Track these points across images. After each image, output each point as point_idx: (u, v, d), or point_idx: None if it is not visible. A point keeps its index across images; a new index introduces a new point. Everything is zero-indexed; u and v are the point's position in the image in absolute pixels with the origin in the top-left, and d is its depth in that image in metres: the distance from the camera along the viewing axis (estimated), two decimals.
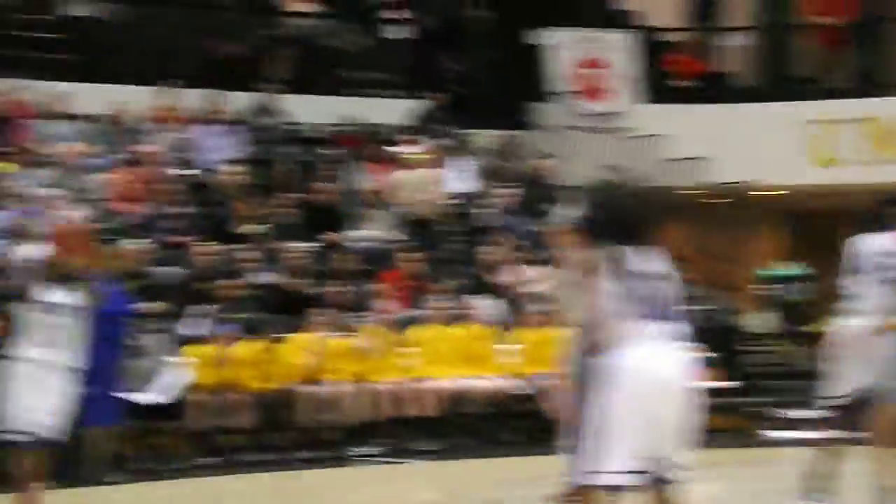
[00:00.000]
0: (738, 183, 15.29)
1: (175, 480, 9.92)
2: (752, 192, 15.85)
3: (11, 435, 6.86)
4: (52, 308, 6.95)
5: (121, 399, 9.77)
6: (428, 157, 14.42)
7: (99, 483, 9.47)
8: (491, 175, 15.17)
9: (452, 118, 15.95)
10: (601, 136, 16.44)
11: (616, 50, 16.66)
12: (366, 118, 15.68)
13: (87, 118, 14.20)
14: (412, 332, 11.86)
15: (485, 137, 16.08)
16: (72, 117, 13.73)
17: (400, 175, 13.99)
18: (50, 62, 15.02)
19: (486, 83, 16.70)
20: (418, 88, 16.07)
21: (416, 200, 13.69)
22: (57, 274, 7.02)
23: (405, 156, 14.08)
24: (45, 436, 6.88)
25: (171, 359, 10.62)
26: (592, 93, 16.84)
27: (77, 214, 12.04)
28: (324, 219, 13.41)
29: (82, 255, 7.09)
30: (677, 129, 15.94)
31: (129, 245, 11.39)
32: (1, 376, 6.87)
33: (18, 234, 11.47)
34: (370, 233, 13.57)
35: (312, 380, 11.08)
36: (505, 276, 12.92)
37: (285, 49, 16.17)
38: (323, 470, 10.46)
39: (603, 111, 16.75)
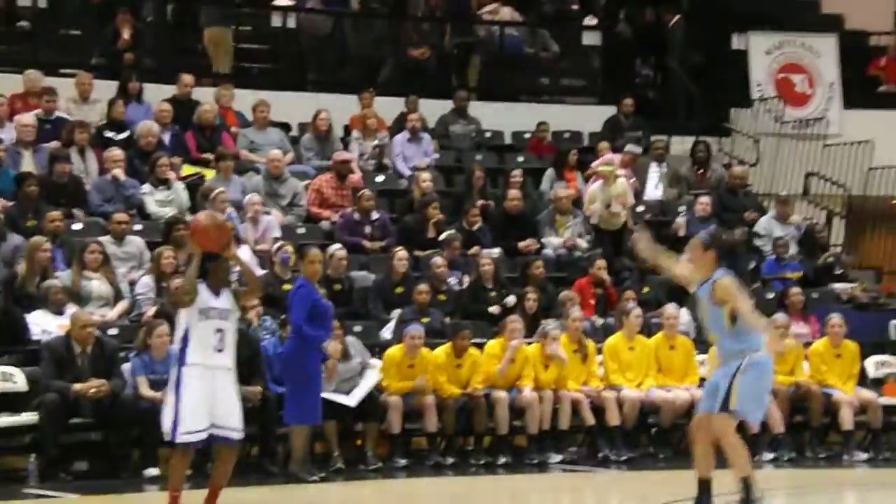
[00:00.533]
0: None
1: (372, 481, 10.14)
2: None
3: (196, 437, 7.19)
4: (218, 313, 7.33)
5: (322, 399, 10.02)
6: (622, 164, 14.32)
7: (300, 481, 9.75)
8: (686, 182, 14.97)
9: (647, 124, 15.81)
10: (803, 142, 16.03)
11: (819, 54, 16.22)
12: (559, 124, 15.70)
13: (289, 126, 14.69)
14: (605, 341, 11.81)
15: (680, 143, 15.88)
16: (274, 125, 14.21)
17: (593, 183, 13.94)
18: (255, 71, 15.59)
19: (682, 88, 16.48)
20: (612, 94, 15.99)
21: (608, 208, 13.62)
22: (218, 279, 7.39)
23: (600, 165, 14.01)
24: (229, 437, 7.23)
25: (369, 362, 10.85)
26: (794, 98, 16.43)
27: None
28: (516, 226, 13.49)
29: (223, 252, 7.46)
30: (882, 136, 15.40)
31: (327, 250, 11.68)
32: (179, 383, 7.22)
33: None
34: (562, 240, 13.57)
35: (505, 386, 11.15)
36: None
37: (479, 56, 16.34)
38: (514, 476, 10.52)
39: (805, 117, 16.32)
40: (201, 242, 7.43)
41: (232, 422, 7.30)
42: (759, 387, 7.29)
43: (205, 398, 7.19)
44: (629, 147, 14.76)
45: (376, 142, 14.40)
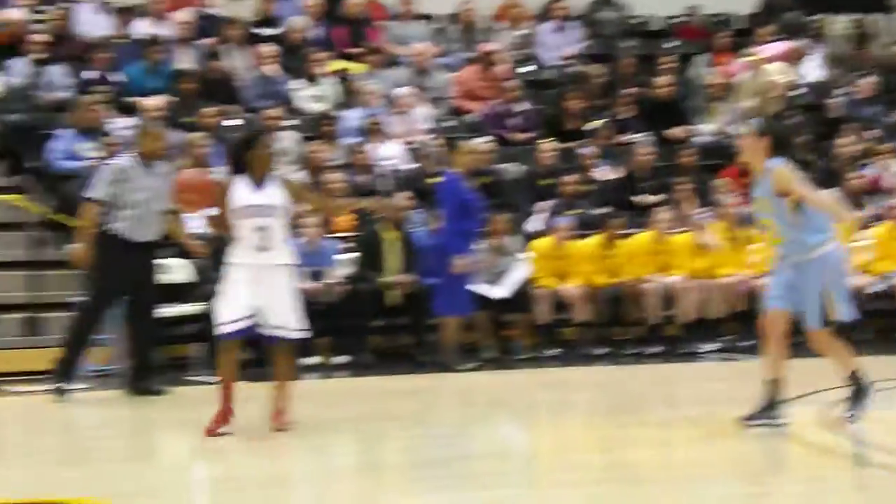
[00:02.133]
0: None
1: (522, 370, 10.28)
2: None
3: (231, 328, 6.75)
4: (259, 210, 6.80)
5: (472, 291, 10.15)
6: (784, 55, 13.85)
7: (449, 370, 9.94)
8: (845, 63, 14.43)
9: (803, 4, 15.23)
10: None
11: None
12: (712, 7, 15.26)
13: (436, 18, 14.62)
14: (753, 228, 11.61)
15: (838, 23, 15.27)
16: (421, 17, 14.18)
17: (748, 67, 13.56)
18: None
19: None
20: None
21: (763, 93, 13.25)
22: (259, 170, 6.86)
23: (754, 50, 13.59)
24: (281, 336, 6.85)
25: (518, 254, 10.92)
26: None
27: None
28: (665, 113, 13.26)
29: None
30: None
31: (474, 143, 11.69)
32: (224, 281, 6.84)
33: (371, 133, 12.07)
34: (713, 127, 13.30)
35: (654, 275, 11.10)
36: (866, 170, 12.37)
37: None
38: (666, 365, 10.52)
39: None
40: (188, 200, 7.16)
41: (282, 320, 6.82)
42: (843, 282, 6.95)
43: (244, 293, 6.75)
44: (785, 28, 14.23)
45: (522, 32, 14.26)
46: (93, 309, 8.62)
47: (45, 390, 8.57)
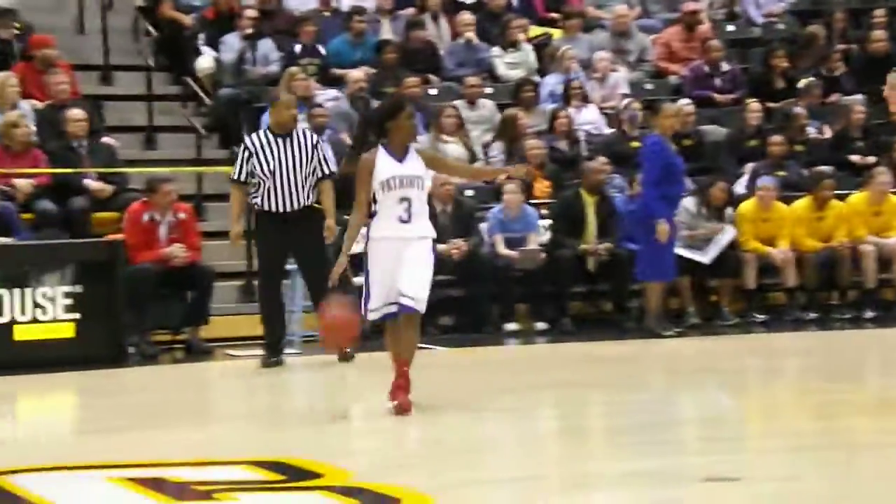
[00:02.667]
0: None
1: (728, 336, 10.05)
2: None
3: (379, 313, 6.51)
4: (401, 180, 6.51)
5: (676, 256, 9.96)
6: None
7: (655, 336, 9.80)
8: None
9: None
10: None
11: None
12: None
13: None
14: None
15: None
16: None
17: None
18: None
19: None
20: None
21: None
22: (401, 140, 6.55)
23: None
24: (404, 305, 6.44)
25: (724, 218, 10.65)
26: None
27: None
28: (881, 69, 12.68)
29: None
30: None
31: (676, 105, 11.45)
32: (367, 259, 6.54)
33: (571, 98, 11.96)
34: None
35: (872, 238, 10.65)
36: None
37: None
38: (883, 330, 10.10)
39: None
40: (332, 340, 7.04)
41: (409, 289, 6.43)
42: None
43: (389, 273, 6.44)
44: None
45: None
46: (264, 285, 8.75)
47: (257, 356, 8.85)
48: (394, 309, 6.50)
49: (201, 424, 6.89)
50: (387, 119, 6.59)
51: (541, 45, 12.85)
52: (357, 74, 11.71)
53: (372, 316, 6.58)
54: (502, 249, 10.30)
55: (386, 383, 6.58)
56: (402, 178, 6.52)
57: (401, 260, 6.48)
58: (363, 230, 6.62)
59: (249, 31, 12.10)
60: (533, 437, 6.37)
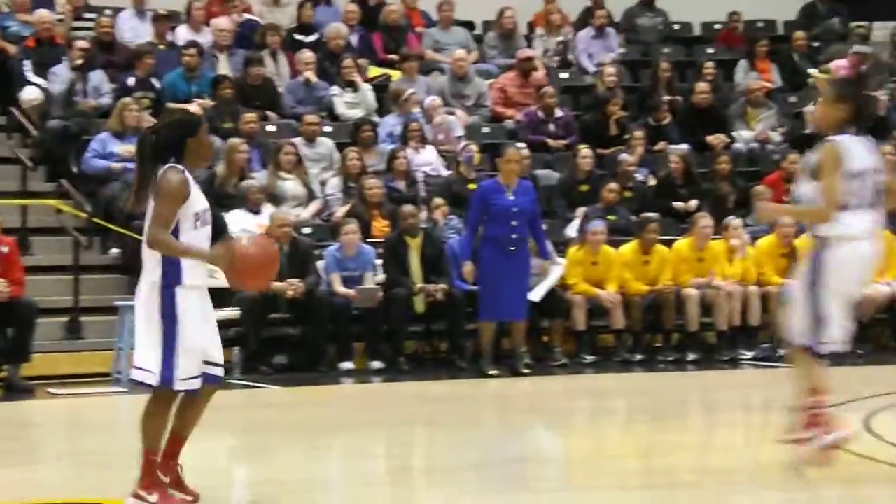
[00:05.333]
0: None
1: (559, 376, 10.26)
2: None
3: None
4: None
5: (519, 296, 10.11)
6: (851, 66, 13.72)
7: (487, 376, 9.94)
8: (887, 70, 14.32)
9: (846, 9, 15.13)
10: None
11: None
12: (752, 13, 15.20)
13: (474, 24, 14.65)
14: (800, 237, 11.53)
15: (882, 29, 15.16)
16: (459, 24, 14.21)
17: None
18: None
19: None
20: None
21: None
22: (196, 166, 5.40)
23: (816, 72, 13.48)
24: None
25: (553, 259, 10.90)
26: None
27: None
28: (705, 120, 13.21)
29: None
30: None
31: (511, 149, 11.69)
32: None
33: (409, 139, 12.10)
34: (754, 133, 13.24)
35: (691, 282, 11.05)
36: None
37: None
38: (704, 372, 10.47)
39: None
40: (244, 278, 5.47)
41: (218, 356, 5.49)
42: None
43: (200, 331, 5.32)
44: (856, 48, 14.10)
45: (560, 38, 14.26)
46: None
47: (87, 393, 8.65)
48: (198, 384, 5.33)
49: (19, 465, 6.69)
50: (189, 134, 5.35)
51: (380, 86, 12.98)
52: (193, 108, 11.60)
53: (182, 386, 5.28)
54: (339, 288, 10.32)
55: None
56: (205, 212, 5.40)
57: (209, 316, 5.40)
58: (154, 277, 5.26)
59: (80, 61, 11.88)
60: (366, 475, 6.39)
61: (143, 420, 5.32)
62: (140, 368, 5.26)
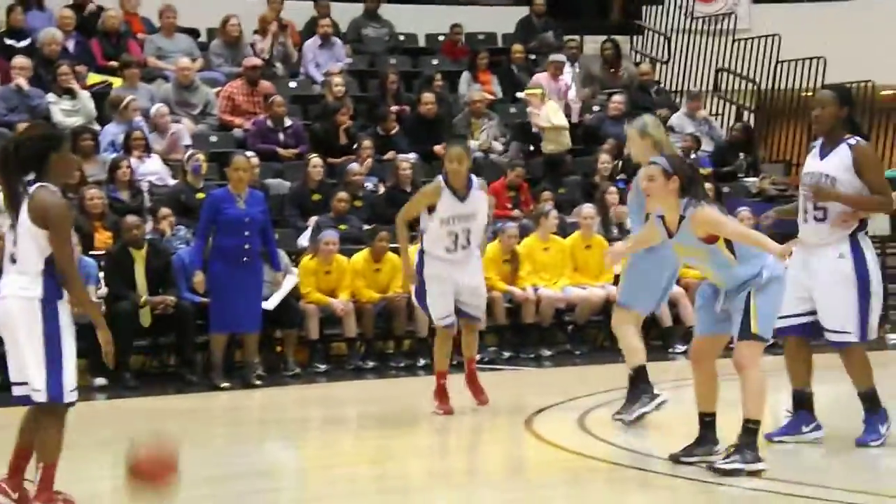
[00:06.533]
0: (859, 83, 14.59)
1: (292, 386, 10.18)
2: (874, 93, 15.39)
3: None
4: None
5: (252, 307, 9.96)
6: (551, 76, 14.22)
7: (219, 388, 9.75)
8: (598, 81, 15.00)
9: (560, 24, 15.76)
10: (713, 37, 16.13)
11: None
12: (473, 26, 15.59)
13: (198, 32, 14.39)
14: (522, 242, 11.90)
15: (593, 43, 15.88)
16: (183, 31, 13.91)
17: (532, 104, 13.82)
18: None
19: None
20: None
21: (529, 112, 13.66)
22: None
23: (529, 89, 13.94)
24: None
25: (287, 269, 10.82)
26: None
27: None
28: (432, 130, 13.44)
29: None
30: (790, 29, 15.56)
31: (240, 158, 11.54)
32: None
33: (132, 149, 11.75)
34: (477, 143, 13.57)
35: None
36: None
37: None
38: (430, 377, 10.59)
39: (715, 12, 16.42)
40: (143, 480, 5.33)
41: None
42: (778, 303, 6.15)
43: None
44: (553, 57, 14.67)
45: (287, 46, 14.19)
46: None
47: None
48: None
49: None
50: (54, 149, 5.38)
51: (101, 94, 12.53)
52: None
53: (70, 398, 5.45)
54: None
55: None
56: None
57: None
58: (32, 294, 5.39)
59: None
60: (92, 496, 6.12)
61: (42, 437, 5.43)
62: (22, 384, 5.36)
